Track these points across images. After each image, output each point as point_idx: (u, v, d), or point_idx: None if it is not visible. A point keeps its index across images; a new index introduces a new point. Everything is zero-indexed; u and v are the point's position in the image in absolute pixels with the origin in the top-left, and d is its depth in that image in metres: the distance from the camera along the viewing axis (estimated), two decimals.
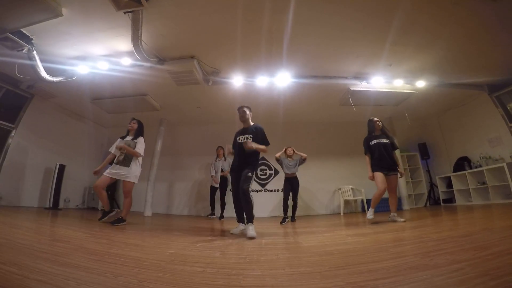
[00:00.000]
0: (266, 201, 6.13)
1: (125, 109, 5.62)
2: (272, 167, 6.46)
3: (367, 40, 3.60)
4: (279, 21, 3.18)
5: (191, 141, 6.86)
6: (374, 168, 3.35)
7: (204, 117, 6.44)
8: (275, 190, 6.28)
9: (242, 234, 2.61)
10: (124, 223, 3.17)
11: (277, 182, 6.20)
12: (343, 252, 1.60)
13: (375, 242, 1.91)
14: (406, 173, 6.35)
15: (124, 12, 2.88)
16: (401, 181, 5.76)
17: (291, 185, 4.39)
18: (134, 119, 3.62)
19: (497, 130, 5.07)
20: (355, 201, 6.17)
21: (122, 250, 1.64)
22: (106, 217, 3.27)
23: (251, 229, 2.48)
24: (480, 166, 5.21)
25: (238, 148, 2.85)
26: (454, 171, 5.83)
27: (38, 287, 0.93)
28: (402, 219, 3.17)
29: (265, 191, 6.34)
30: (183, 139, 6.93)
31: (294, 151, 4.57)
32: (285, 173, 4.45)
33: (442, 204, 6.02)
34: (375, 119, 3.55)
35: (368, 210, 3.41)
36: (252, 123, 2.97)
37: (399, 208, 5.49)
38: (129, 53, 3.65)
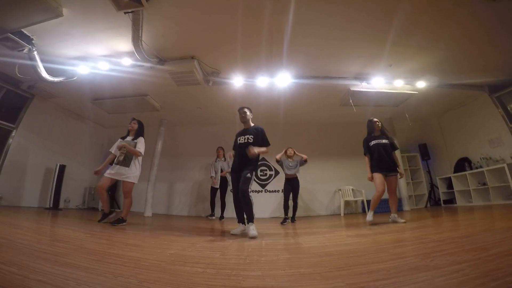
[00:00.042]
0: (266, 202, 6.12)
1: (125, 109, 5.63)
2: (272, 168, 6.46)
3: (367, 41, 3.60)
4: (279, 22, 3.18)
5: (191, 141, 6.86)
6: (374, 169, 3.34)
7: (204, 118, 6.44)
8: (275, 191, 6.27)
9: (243, 235, 2.61)
10: (124, 223, 3.17)
11: (277, 183, 6.20)
12: (343, 253, 1.60)
13: (375, 243, 1.91)
14: (407, 174, 6.35)
15: (125, 13, 2.88)
16: (402, 182, 5.76)
17: (292, 186, 4.39)
18: (134, 119, 3.63)
19: (497, 131, 5.06)
20: (356, 202, 6.16)
21: (122, 251, 1.64)
22: (106, 219, 3.28)
23: (252, 229, 2.50)
24: (481, 166, 5.20)
25: (239, 149, 2.86)
26: (455, 172, 5.83)
27: (38, 287, 0.92)
28: (402, 220, 3.16)
29: (265, 191, 6.33)
30: (183, 139, 6.93)
31: (294, 152, 4.58)
32: (286, 174, 4.44)
33: (442, 205, 6.02)
34: (375, 119, 3.54)
35: (368, 211, 3.41)
36: (252, 124, 2.98)
37: (400, 209, 5.48)
38: (130, 54, 3.65)
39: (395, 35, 3.39)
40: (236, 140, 2.98)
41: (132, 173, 3.32)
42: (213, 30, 3.37)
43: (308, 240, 2.25)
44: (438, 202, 6.18)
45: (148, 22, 3.11)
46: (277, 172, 6.39)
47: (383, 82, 4.60)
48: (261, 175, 6.45)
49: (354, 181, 6.04)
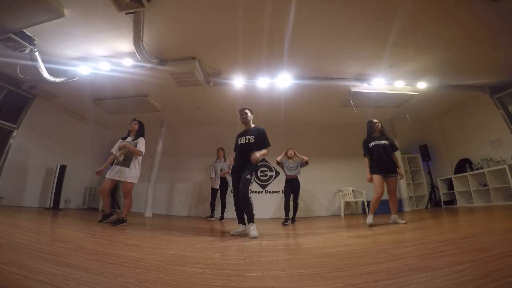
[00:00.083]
0: (266, 203, 6.11)
1: (126, 110, 5.64)
2: (273, 169, 6.45)
3: (368, 41, 3.60)
4: (280, 22, 3.19)
5: (192, 142, 6.87)
6: (373, 170, 3.34)
7: (204, 118, 6.45)
8: (275, 192, 6.27)
9: (243, 235, 2.61)
10: (124, 223, 3.17)
11: (278, 184, 6.20)
12: (343, 253, 1.60)
13: (375, 244, 1.90)
14: (407, 175, 6.34)
15: (126, 13, 2.89)
16: (402, 183, 5.75)
17: (292, 187, 4.39)
18: (135, 119, 3.64)
19: (498, 132, 5.05)
20: (356, 202, 6.15)
21: (122, 251, 1.64)
22: (106, 220, 3.28)
23: (252, 229, 2.52)
24: (481, 168, 5.19)
25: (239, 150, 2.87)
26: (455, 173, 5.82)
27: (37, 287, 0.92)
28: (403, 221, 3.16)
29: (265, 192, 6.33)
30: (184, 140, 6.94)
31: (295, 153, 4.58)
32: (286, 175, 4.44)
33: (443, 206, 6.00)
34: (374, 120, 3.54)
35: (368, 213, 3.40)
36: (253, 125, 2.99)
37: (400, 210, 5.47)
38: (131, 54, 3.66)
39: (396, 36, 3.39)
40: (236, 141, 2.99)
41: (132, 173, 3.32)
42: (214, 30, 3.38)
43: (308, 241, 2.25)
44: (438, 203, 6.16)
45: (149, 22, 3.12)
46: (277, 173, 6.38)
47: (384, 83, 4.60)
48: (261, 176, 6.45)
49: (355, 182, 6.03)
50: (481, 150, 5.37)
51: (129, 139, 3.51)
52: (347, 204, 6.01)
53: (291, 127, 6.45)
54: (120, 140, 3.52)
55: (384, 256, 1.46)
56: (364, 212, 5.85)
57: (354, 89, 4.74)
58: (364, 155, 3.50)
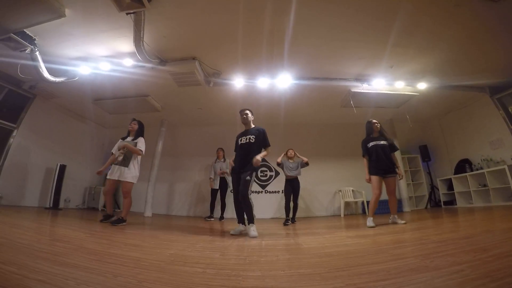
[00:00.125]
0: (266, 203, 6.11)
1: (126, 109, 5.64)
2: (273, 169, 6.46)
3: (368, 42, 3.60)
4: (280, 22, 3.19)
5: (192, 142, 6.87)
6: (371, 171, 3.34)
7: (205, 118, 6.45)
8: (275, 192, 6.27)
9: (242, 235, 2.61)
10: (124, 223, 3.17)
11: (278, 184, 6.20)
12: (343, 253, 1.60)
13: (375, 244, 1.90)
14: (407, 175, 6.34)
15: (127, 13, 2.89)
16: (402, 183, 5.75)
17: (292, 187, 4.39)
18: (134, 119, 3.64)
19: (498, 132, 5.05)
20: (356, 203, 6.15)
21: (121, 250, 1.64)
22: (107, 220, 3.28)
23: (252, 229, 2.54)
24: (481, 168, 5.19)
25: (239, 150, 2.88)
26: (455, 173, 5.82)
27: (37, 287, 0.92)
28: (402, 221, 3.16)
29: (265, 192, 6.33)
30: (184, 140, 6.94)
31: (295, 153, 4.58)
32: (286, 175, 4.44)
33: (443, 206, 6.00)
34: (374, 120, 3.53)
35: (367, 214, 3.39)
36: (253, 126, 3.00)
37: (400, 210, 5.47)
38: (131, 54, 3.67)
39: (396, 36, 3.39)
40: (237, 141, 3.00)
41: (131, 173, 3.33)
42: (214, 31, 3.38)
43: (308, 241, 2.25)
44: (438, 203, 6.16)
45: (149, 23, 3.12)
46: (277, 173, 6.38)
47: (384, 83, 4.60)
48: (261, 176, 6.45)
49: (355, 182, 6.03)
50: (481, 150, 5.37)
51: (129, 139, 3.51)
52: (347, 204, 6.01)
53: (291, 127, 6.45)
54: (120, 140, 3.53)
55: (384, 256, 1.46)
56: (364, 212, 5.85)
57: (354, 90, 4.75)
58: (363, 156, 3.50)
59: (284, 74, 4.34)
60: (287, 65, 4.12)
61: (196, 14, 3.08)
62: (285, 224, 3.99)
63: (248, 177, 2.67)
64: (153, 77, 4.25)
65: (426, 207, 6.21)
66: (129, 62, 3.84)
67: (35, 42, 3.46)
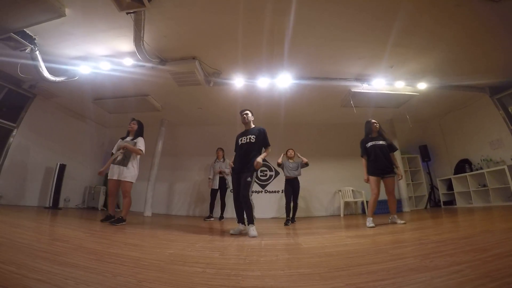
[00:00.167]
0: (266, 203, 6.12)
1: (126, 109, 5.64)
2: (273, 168, 6.46)
3: (368, 42, 3.60)
4: (280, 22, 3.19)
5: (192, 141, 6.87)
6: (370, 171, 3.34)
7: (205, 118, 6.45)
8: (275, 192, 6.27)
9: (242, 235, 2.61)
10: (123, 223, 3.17)
11: (278, 184, 6.20)
12: (342, 253, 1.60)
13: (374, 244, 1.91)
14: (407, 175, 6.34)
15: (127, 13, 2.89)
16: (402, 183, 5.75)
17: (292, 187, 4.39)
18: (134, 119, 3.64)
19: (498, 133, 5.05)
20: (355, 203, 6.15)
21: (121, 250, 1.64)
22: (108, 221, 3.28)
23: (252, 230, 2.54)
24: (481, 168, 5.19)
25: (240, 150, 2.88)
26: (455, 173, 5.82)
27: (37, 286, 0.92)
28: (402, 221, 3.16)
29: (265, 192, 6.33)
30: (184, 139, 6.94)
31: (295, 152, 4.58)
32: (286, 176, 4.44)
33: (442, 206, 6.00)
34: (373, 120, 3.53)
35: (367, 214, 3.39)
36: (253, 126, 3.01)
37: (399, 210, 5.47)
38: (131, 54, 3.66)
39: (396, 36, 3.39)
40: (237, 141, 3.00)
41: (130, 172, 3.33)
42: (214, 30, 3.38)
43: (308, 241, 2.25)
44: (438, 203, 6.17)
45: (150, 22, 3.12)
46: (277, 173, 6.39)
47: (384, 83, 4.60)
48: (261, 175, 6.45)
49: (354, 182, 6.02)
50: (481, 150, 5.37)
51: (128, 139, 3.51)
52: (347, 204, 6.02)
53: (291, 127, 6.45)
54: (120, 140, 3.53)
55: (383, 256, 1.46)
56: (363, 212, 5.85)
57: (354, 89, 4.74)
58: (362, 156, 3.49)
59: (284, 74, 4.34)
60: (287, 65, 4.12)
61: (196, 13, 3.08)
62: (286, 224, 3.99)
63: (249, 178, 2.68)
64: (153, 76, 4.25)
65: (425, 207, 6.21)
66: (129, 62, 3.84)
67: (35, 41, 3.46)
